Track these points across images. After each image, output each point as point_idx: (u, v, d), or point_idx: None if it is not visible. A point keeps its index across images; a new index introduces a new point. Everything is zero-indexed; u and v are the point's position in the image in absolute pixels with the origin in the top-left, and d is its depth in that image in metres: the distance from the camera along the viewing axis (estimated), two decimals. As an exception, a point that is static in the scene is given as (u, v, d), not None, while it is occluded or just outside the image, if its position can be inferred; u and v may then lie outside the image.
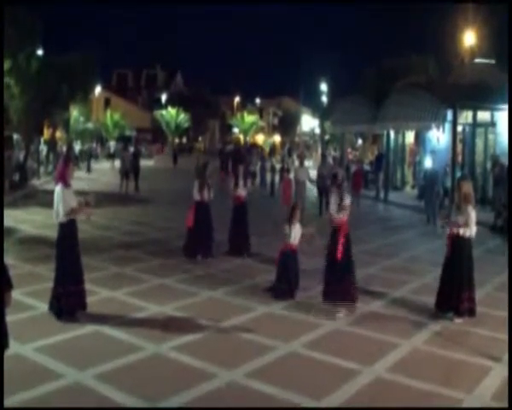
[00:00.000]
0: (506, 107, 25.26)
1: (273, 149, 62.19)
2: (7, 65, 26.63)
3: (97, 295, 10.84)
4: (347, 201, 10.91)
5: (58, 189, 9.34)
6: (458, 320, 9.94)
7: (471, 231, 9.91)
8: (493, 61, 29.83)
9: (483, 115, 27.48)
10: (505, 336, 9.16)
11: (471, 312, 10.04)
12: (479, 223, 20.32)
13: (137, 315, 9.89)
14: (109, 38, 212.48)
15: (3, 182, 22.73)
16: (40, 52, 32.82)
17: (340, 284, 10.62)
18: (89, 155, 44.97)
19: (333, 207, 10.89)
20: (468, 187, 10.21)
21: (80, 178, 32.35)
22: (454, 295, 9.96)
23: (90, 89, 43.65)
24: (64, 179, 9.39)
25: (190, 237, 14.48)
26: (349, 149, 48.14)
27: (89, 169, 42.23)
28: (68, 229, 9.40)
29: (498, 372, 7.97)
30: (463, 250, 10.01)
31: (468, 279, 10.07)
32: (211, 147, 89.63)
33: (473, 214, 9.90)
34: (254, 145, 74.20)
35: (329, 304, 10.52)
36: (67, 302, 9.36)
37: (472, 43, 33.82)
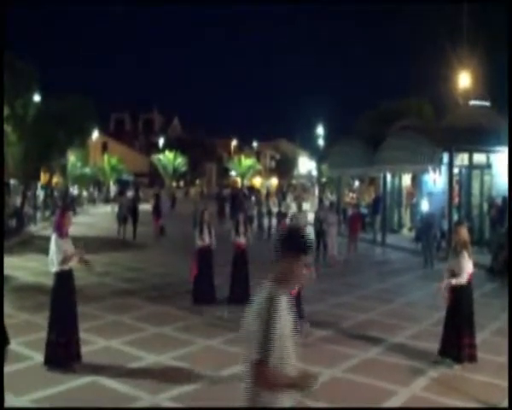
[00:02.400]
0: (502, 149, 25.45)
1: (268, 192, 62.31)
2: (4, 112, 26.79)
3: (94, 345, 10.79)
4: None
5: (53, 238, 9.43)
6: (457, 367, 9.90)
7: (462, 279, 9.90)
8: (488, 104, 30.07)
9: (479, 157, 27.62)
10: (503, 383, 9.13)
11: (472, 358, 10.00)
12: (475, 266, 20.47)
13: (134, 365, 9.84)
14: (106, 81, 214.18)
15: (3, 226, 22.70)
16: (37, 98, 33.03)
17: None
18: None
19: None
20: (465, 233, 10.28)
21: (78, 224, 32.34)
22: (454, 341, 9.95)
23: (87, 134, 43.89)
24: (59, 229, 9.46)
25: (196, 283, 14.65)
26: (346, 192, 48.26)
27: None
28: (62, 279, 9.43)
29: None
30: (461, 296, 9.99)
31: (469, 325, 10.04)
32: (208, 190, 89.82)
33: (466, 261, 9.92)
34: (252, 189, 74.39)
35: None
36: (61, 353, 9.32)
37: (467, 86, 34.14)
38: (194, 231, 15.16)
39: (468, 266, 9.94)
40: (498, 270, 19.45)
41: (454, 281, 9.89)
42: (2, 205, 23.63)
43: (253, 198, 42.52)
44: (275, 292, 4.26)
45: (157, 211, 31.58)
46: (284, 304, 4.34)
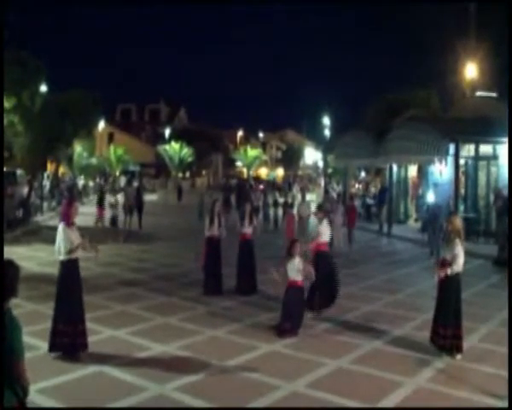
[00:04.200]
0: (508, 140, 25.36)
1: (274, 182, 62.29)
2: (11, 103, 26.86)
3: (100, 335, 10.84)
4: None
5: (60, 227, 9.51)
6: (449, 357, 9.91)
7: (458, 265, 9.90)
8: (495, 95, 29.98)
9: (485, 148, 27.55)
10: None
11: (457, 348, 10.02)
12: (482, 256, 20.47)
13: (140, 355, 9.88)
14: (113, 72, 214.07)
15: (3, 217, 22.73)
16: (44, 88, 33.06)
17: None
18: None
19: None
20: (459, 222, 10.32)
21: (84, 214, 32.38)
22: (440, 331, 9.99)
23: (93, 125, 43.95)
24: (67, 218, 9.54)
25: (207, 274, 14.74)
26: (352, 183, 48.18)
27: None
28: (69, 268, 9.50)
29: (502, 411, 7.93)
30: (449, 286, 10.00)
31: (455, 316, 10.04)
32: (214, 181, 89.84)
33: (460, 249, 9.93)
34: (258, 179, 74.42)
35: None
36: (67, 342, 9.38)
37: (473, 77, 34.05)
38: (201, 222, 15.17)
39: (462, 254, 9.93)
40: (505, 261, 19.40)
41: (449, 271, 9.88)
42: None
43: (261, 188, 42.50)
44: None
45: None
46: None
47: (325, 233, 12.93)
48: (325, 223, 12.98)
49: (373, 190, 41.12)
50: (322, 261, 12.60)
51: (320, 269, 12.09)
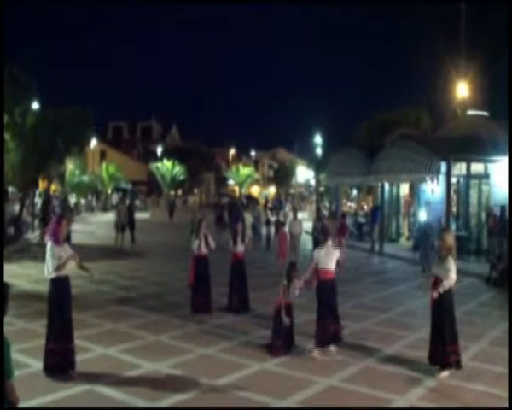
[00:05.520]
0: (499, 158, 25.54)
1: (267, 201, 62.39)
2: (4, 120, 26.84)
3: (91, 353, 10.80)
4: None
5: (48, 246, 9.50)
6: (444, 374, 9.93)
7: (450, 280, 9.94)
8: (486, 113, 30.16)
9: (477, 167, 27.67)
10: (500, 392, 9.18)
11: (458, 364, 10.04)
12: (473, 275, 20.50)
13: (131, 373, 9.84)
14: (104, 90, 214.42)
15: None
16: (36, 106, 33.06)
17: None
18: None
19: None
20: (451, 239, 10.38)
21: (76, 232, 32.34)
22: (439, 349, 10.00)
23: (85, 142, 43.86)
24: (56, 237, 9.52)
25: (194, 292, 14.67)
26: (344, 201, 48.29)
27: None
28: (58, 285, 9.47)
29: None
30: (443, 302, 10.03)
31: (451, 332, 10.07)
32: (207, 199, 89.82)
33: (452, 264, 10.00)
34: (250, 198, 74.48)
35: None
36: (59, 360, 9.34)
37: (465, 96, 34.27)
38: (191, 240, 15.17)
39: (454, 269, 9.98)
40: (496, 280, 19.48)
41: (441, 289, 9.92)
42: (2, 213, 23.58)
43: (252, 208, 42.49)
44: None
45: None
46: None
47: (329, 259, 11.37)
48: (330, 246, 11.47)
49: (365, 208, 41.24)
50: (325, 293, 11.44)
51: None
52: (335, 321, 11.41)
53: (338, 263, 11.39)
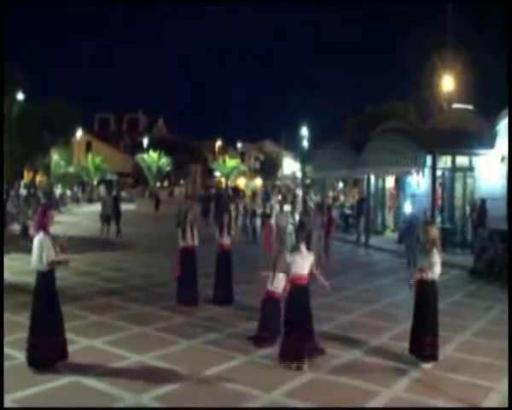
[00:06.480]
0: (484, 152, 25.71)
1: (255, 193, 62.41)
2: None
3: (76, 345, 10.74)
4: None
5: (39, 237, 9.33)
6: (428, 365, 9.98)
7: (434, 273, 9.99)
8: (471, 107, 30.28)
9: (462, 160, 27.82)
10: (484, 383, 9.25)
11: (433, 357, 10.09)
12: (458, 267, 20.66)
13: (117, 365, 9.81)
14: (91, 81, 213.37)
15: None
16: (21, 97, 32.88)
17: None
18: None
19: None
20: (435, 232, 10.44)
21: (61, 223, 32.22)
22: (418, 340, 10.05)
23: (71, 134, 43.78)
24: (44, 227, 9.41)
25: (180, 284, 14.63)
26: (330, 193, 48.39)
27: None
28: (47, 278, 9.36)
29: (478, 421, 7.98)
30: (426, 294, 10.09)
31: (431, 324, 10.11)
32: (193, 191, 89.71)
33: (437, 257, 10.06)
34: (237, 189, 74.44)
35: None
36: (44, 353, 9.27)
37: (450, 89, 34.37)
38: (177, 232, 15.13)
39: (439, 262, 10.03)
40: (480, 271, 19.61)
41: (424, 275, 9.99)
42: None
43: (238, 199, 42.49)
44: None
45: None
46: None
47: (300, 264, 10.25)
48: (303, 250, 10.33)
49: (351, 200, 41.34)
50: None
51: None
52: (309, 337, 10.08)
53: (312, 269, 10.37)
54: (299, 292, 10.09)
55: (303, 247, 10.27)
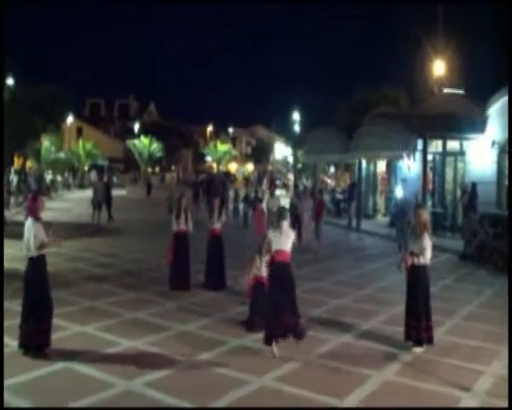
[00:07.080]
0: (474, 136, 25.81)
1: (247, 178, 62.42)
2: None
3: (68, 331, 10.77)
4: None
5: (29, 222, 9.33)
6: (418, 350, 10.05)
7: (425, 258, 10.05)
8: (462, 92, 30.32)
9: (452, 144, 27.92)
10: (475, 366, 9.33)
11: (429, 340, 10.17)
12: (449, 251, 20.75)
13: (109, 350, 9.83)
14: (82, 67, 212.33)
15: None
16: (11, 82, 32.71)
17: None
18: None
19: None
20: (426, 215, 10.49)
21: (52, 209, 32.17)
22: (414, 324, 10.11)
23: (61, 119, 43.53)
24: (35, 213, 9.40)
25: (173, 269, 14.68)
26: (322, 177, 48.41)
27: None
28: (37, 264, 9.36)
29: (467, 403, 8.05)
30: (418, 279, 10.16)
31: (425, 308, 10.18)
32: (184, 176, 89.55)
33: (428, 241, 10.10)
34: (228, 174, 74.36)
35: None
36: (35, 339, 9.28)
37: (441, 74, 34.38)
38: (170, 217, 15.13)
39: (430, 246, 10.07)
40: (470, 255, 19.71)
41: (416, 260, 10.03)
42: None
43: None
44: None
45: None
46: None
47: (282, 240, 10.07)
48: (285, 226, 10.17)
49: (342, 185, 41.41)
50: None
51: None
52: (292, 313, 9.87)
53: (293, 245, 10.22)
54: (278, 268, 9.98)
55: (285, 224, 10.12)
